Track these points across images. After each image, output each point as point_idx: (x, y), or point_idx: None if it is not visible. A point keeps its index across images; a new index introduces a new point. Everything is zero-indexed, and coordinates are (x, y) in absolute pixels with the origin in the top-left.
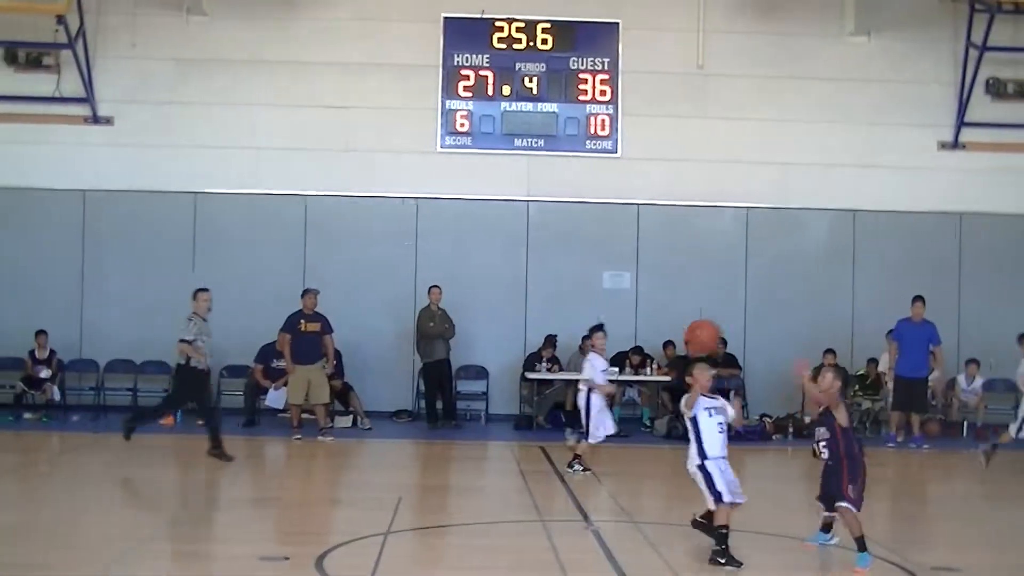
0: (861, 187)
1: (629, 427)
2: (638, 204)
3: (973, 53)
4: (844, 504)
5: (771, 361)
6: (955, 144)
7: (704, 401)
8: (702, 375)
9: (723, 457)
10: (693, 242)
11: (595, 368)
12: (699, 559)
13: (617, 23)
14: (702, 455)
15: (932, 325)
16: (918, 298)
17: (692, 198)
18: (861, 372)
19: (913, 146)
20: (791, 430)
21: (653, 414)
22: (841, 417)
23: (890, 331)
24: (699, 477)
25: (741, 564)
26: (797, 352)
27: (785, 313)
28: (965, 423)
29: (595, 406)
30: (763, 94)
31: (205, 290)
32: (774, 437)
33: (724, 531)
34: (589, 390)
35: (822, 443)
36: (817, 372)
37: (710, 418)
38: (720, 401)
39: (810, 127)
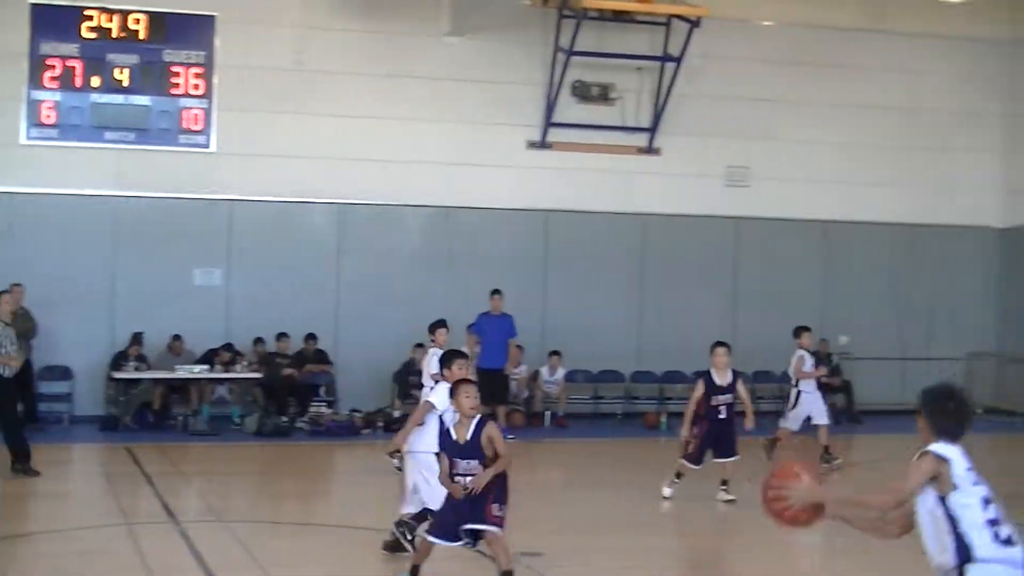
0: (457, 185)
1: (220, 425)
2: (231, 200)
3: (561, 57)
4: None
5: (363, 357)
6: (543, 144)
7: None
8: (461, 370)
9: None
10: (287, 239)
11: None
12: (296, 556)
13: (214, 16)
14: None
15: (510, 318)
16: (496, 292)
17: (287, 195)
18: None
19: (505, 145)
20: (380, 424)
21: (243, 411)
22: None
23: (471, 325)
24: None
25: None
26: (391, 347)
27: (381, 309)
28: (547, 413)
29: None
30: (364, 92)
31: (6, 292)
32: (363, 432)
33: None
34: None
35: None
36: None
37: None
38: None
39: (409, 125)
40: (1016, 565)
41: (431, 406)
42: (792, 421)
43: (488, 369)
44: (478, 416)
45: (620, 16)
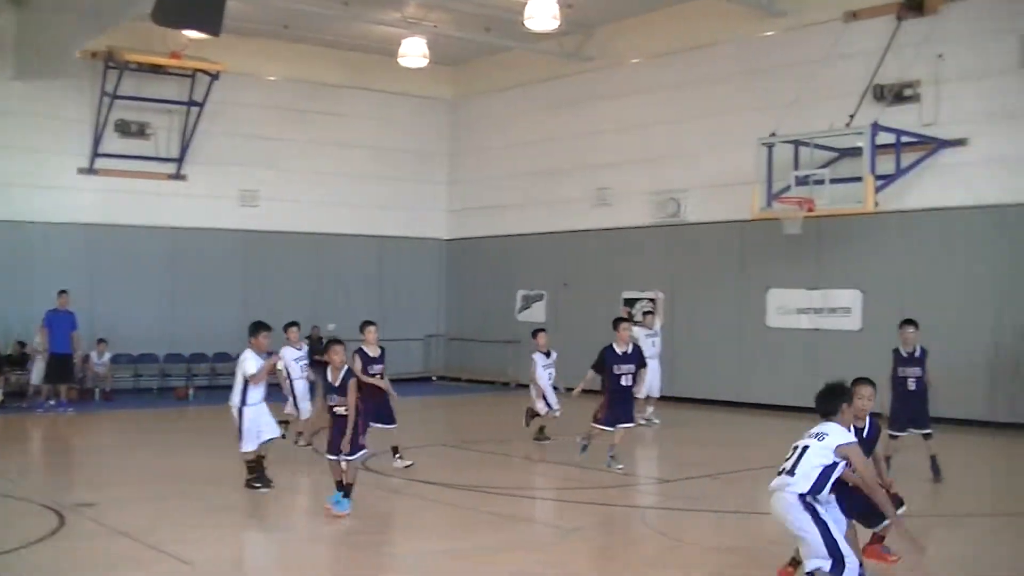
0: (20, 204)
1: None
2: None
3: (106, 99)
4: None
5: None
6: (91, 170)
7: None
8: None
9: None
10: None
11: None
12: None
13: None
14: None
15: (72, 314)
16: (63, 291)
17: None
18: (10, 353)
19: (58, 170)
20: None
21: None
22: None
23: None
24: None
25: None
26: None
27: None
28: (97, 390)
29: None
30: None
31: None
32: None
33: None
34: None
35: None
36: None
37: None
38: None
39: None
40: None
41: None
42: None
43: (55, 353)
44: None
45: (155, 68)
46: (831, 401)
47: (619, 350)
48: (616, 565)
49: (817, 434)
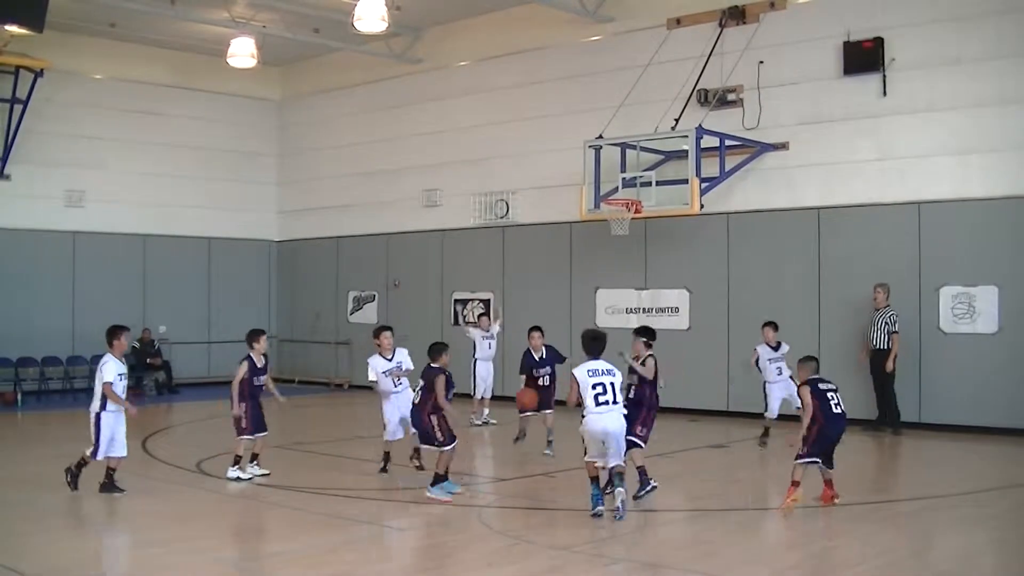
0: None
1: None
2: None
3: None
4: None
5: None
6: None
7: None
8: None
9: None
10: None
11: (375, 368)
12: None
13: None
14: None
15: None
16: None
17: None
18: None
19: None
20: None
21: None
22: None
23: None
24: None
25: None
26: None
27: None
28: None
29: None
30: None
31: None
32: None
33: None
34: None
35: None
36: None
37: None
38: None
39: None
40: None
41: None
42: None
43: None
44: None
45: None
46: (602, 344)
47: (535, 355)
48: (450, 562)
49: (608, 370)
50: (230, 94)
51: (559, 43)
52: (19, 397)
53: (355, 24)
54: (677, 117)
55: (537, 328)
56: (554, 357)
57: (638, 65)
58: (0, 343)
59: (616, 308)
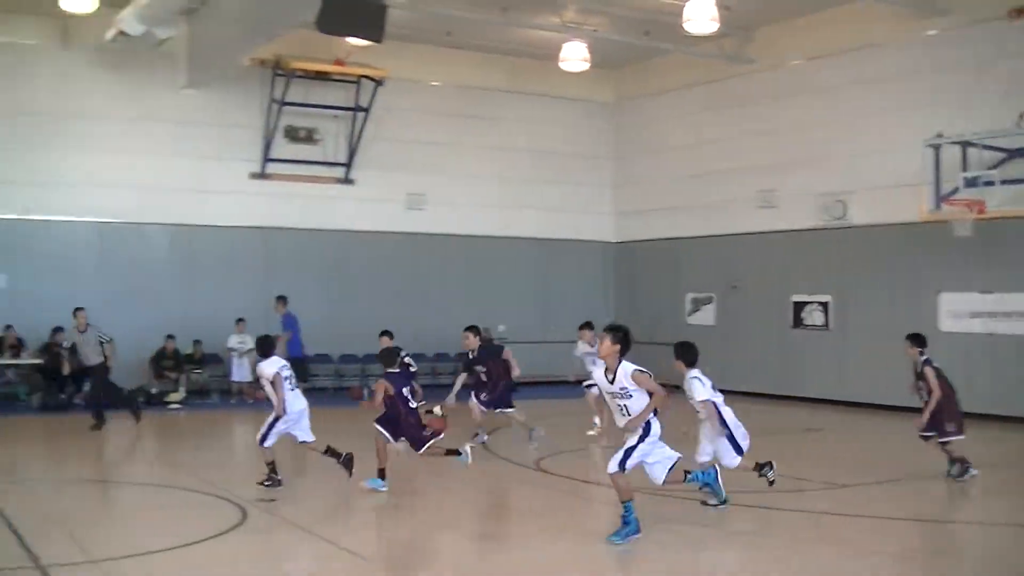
0: (194, 208)
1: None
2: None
3: (275, 106)
4: None
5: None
6: (262, 175)
7: None
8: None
9: None
10: (57, 252)
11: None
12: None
13: None
14: None
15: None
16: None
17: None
18: (190, 352)
19: (232, 176)
20: (142, 399)
21: (28, 390)
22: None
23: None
24: None
25: None
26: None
27: (134, 309)
28: None
29: None
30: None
31: None
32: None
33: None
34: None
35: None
36: None
37: None
38: None
39: (152, 160)
40: None
41: None
42: None
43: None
44: None
45: (321, 75)
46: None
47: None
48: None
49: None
50: (562, 97)
51: (892, 39)
52: (365, 393)
53: (685, 25)
54: (1022, 112)
55: (472, 328)
56: (488, 353)
57: (977, 59)
58: (348, 341)
59: (959, 312)
